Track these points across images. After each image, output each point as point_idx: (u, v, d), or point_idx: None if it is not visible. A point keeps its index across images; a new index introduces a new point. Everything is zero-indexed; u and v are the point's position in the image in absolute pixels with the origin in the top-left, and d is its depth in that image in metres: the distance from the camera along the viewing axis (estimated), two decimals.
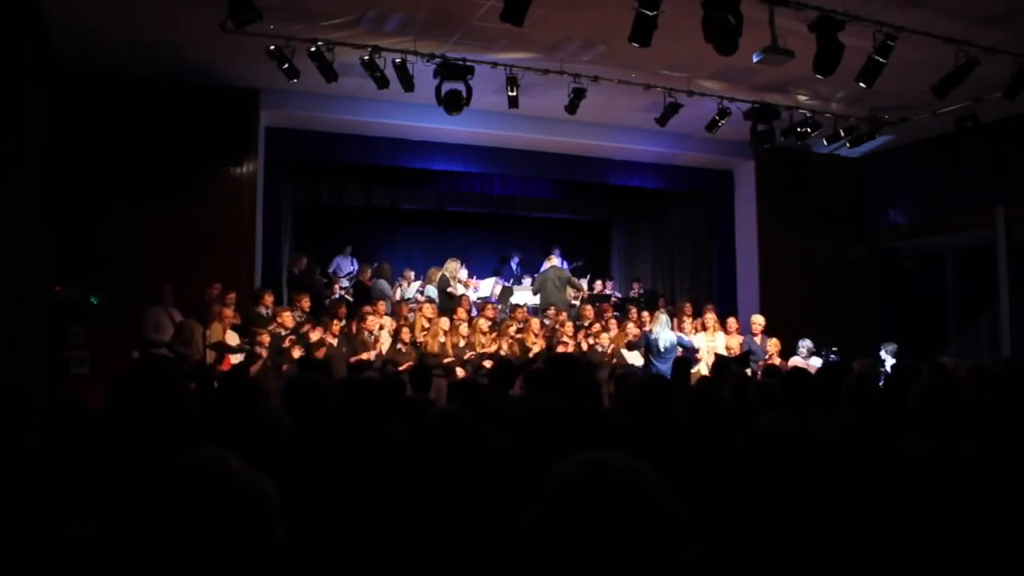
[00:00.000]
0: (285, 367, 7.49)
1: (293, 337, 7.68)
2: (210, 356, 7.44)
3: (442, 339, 8.40)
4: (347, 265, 11.83)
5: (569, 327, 9.22)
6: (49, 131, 7.48)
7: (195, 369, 7.25)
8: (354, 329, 8.35)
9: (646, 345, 9.09)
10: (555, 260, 11.18)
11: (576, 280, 11.60)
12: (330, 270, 11.68)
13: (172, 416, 3.31)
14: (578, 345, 9.00)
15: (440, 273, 10.68)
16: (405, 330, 8.42)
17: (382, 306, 9.15)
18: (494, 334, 8.84)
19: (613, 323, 9.66)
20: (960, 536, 1.70)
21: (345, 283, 11.23)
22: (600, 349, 9.03)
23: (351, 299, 10.19)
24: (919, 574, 1.69)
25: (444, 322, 8.58)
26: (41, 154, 6.99)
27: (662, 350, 8.87)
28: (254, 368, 7.32)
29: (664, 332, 9.05)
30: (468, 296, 10.15)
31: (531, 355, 8.63)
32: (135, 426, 3.28)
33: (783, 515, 1.96)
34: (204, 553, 1.21)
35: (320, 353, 7.67)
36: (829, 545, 1.80)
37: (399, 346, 8.28)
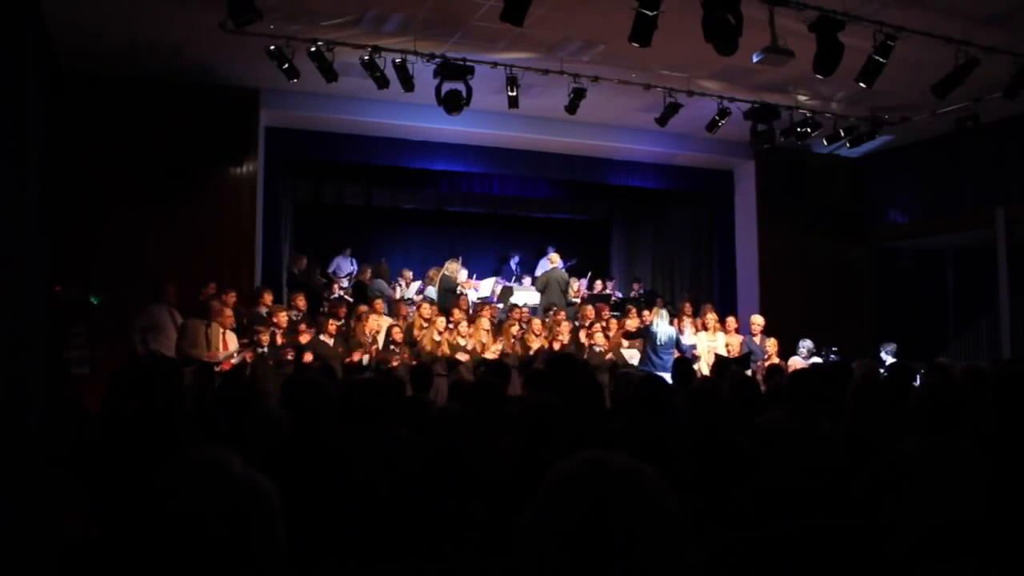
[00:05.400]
0: (289, 367, 7.50)
1: (285, 342, 7.70)
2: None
3: (436, 338, 8.39)
4: (347, 265, 11.84)
5: (566, 326, 9.21)
6: (49, 131, 7.48)
7: (201, 369, 7.28)
8: (353, 329, 8.35)
9: (645, 338, 9.04)
10: (558, 260, 11.15)
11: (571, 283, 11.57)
12: (330, 270, 11.69)
13: (171, 415, 3.31)
14: (576, 343, 8.98)
15: (441, 273, 10.68)
16: (396, 329, 8.41)
17: (379, 304, 9.15)
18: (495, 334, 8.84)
19: (613, 323, 9.65)
20: (960, 536, 1.70)
21: (345, 283, 11.24)
22: (598, 349, 9.00)
23: (351, 299, 10.19)
24: (919, 574, 1.69)
25: (441, 322, 8.57)
26: (41, 154, 6.99)
27: (661, 343, 8.83)
28: (248, 358, 7.34)
29: (663, 325, 9.03)
30: (467, 296, 10.14)
31: (531, 353, 8.63)
32: (135, 426, 3.28)
33: (784, 515, 1.96)
34: (204, 553, 1.21)
35: (307, 357, 7.65)
36: (829, 545, 1.80)
37: (391, 346, 8.26)
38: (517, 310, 9.63)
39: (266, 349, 7.51)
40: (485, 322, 8.79)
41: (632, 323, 9.42)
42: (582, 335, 9.16)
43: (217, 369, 7.37)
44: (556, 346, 8.77)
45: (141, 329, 7.49)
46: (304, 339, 7.86)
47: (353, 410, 3.34)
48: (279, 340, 7.71)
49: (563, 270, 11.28)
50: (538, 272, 12.45)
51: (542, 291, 10.83)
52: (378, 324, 8.52)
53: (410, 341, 8.48)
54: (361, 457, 2.55)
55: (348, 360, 7.96)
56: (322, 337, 8.03)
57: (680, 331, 9.58)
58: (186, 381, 7.13)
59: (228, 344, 7.64)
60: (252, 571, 1.23)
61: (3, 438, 5.16)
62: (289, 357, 7.54)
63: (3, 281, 5.46)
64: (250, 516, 1.25)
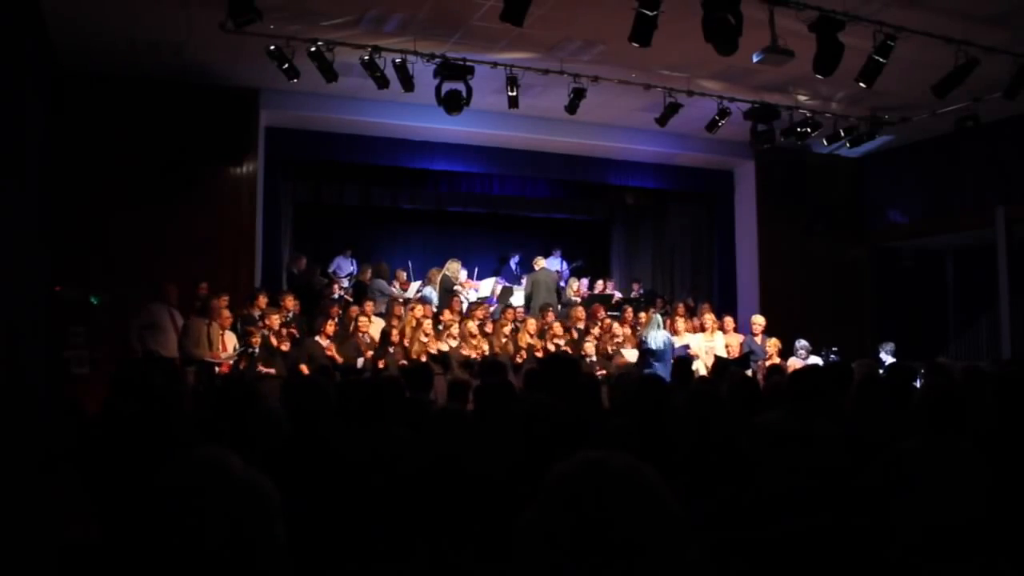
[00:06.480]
0: (274, 369, 7.48)
1: (276, 342, 7.68)
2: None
3: (424, 339, 8.36)
4: (347, 265, 11.85)
5: (558, 327, 9.17)
6: (49, 131, 7.48)
7: (202, 369, 7.30)
8: (350, 330, 8.34)
9: (642, 349, 9.03)
10: (543, 263, 11.10)
11: (559, 285, 11.51)
12: (331, 270, 11.69)
13: (171, 415, 3.31)
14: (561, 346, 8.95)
15: (442, 273, 10.68)
16: (395, 331, 8.40)
17: (370, 306, 9.09)
18: (482, 334, 8.81)
19: (608, 323, 9.61)
20: (960, 536, 1.70)
21: (345, 283, 11.24)
22: (587, 358, 8.90)
23: (351, 299, 10.19)
24: (919, 574, 1.69)
25: (428, 324, 8.53)
26: (41, 154, 6.99)
27: (654, 349, 8.81)
28: (242, 368, 7.34)
29: (653, 332, 8.99)
30: (459, 298, 10.09)
31: (520, 356, 8.60)
32: (135, 426, 3.28)
33: (783, 515, 1.96)
34: (205, 553, 1.21)
35: (306, 369, 7.59)
36: (829, 545, 1.80)
37: (388, 347, 8.25)
38: (511, 310, 9.61)
39: (257, 351, 7.50)
40: (471, 325, 8.77)
41: (619, 329, 9.37)
42: (567, 336, 9.09)
43: (218, 370, 7.38)
44: (551, 347, 8.74)
45: (139, 327, 7.49)
46: (285, 347, 7.76)
47: (353, 410, 3.34)
48: (273, 342, 7.68)
49: (551, 271, 11.21)
50: None
51: (528, 294, 10.76)
52: (368, 326, 8.51)
53: (402, 343, 8.47)
54: (361, 457, 2.55)
55: (347, 363, 7.94)
56: (317, 339, 8.02)
57: (674, 332, 9.56)
58: (188, 380, 7.14)
59: (227, 344, 7.65)
60: (252, 571, 1.23)
61: (3, 438, 5.16)
62: (265, 370, 7.47)
63: (3, 281, 5.47)
64: (250, 516, 1.25)
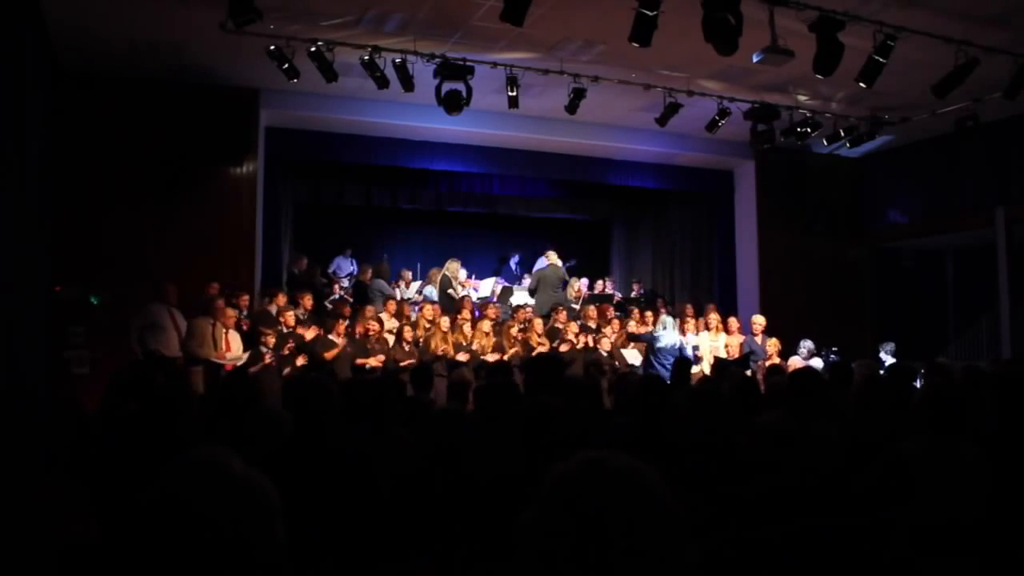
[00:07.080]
0: (287, 369, 7.49)
1: (292, 344, 7.69)
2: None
3: (441, 339, 8.41)
4: (347, 265, 11.85)
5: (573, 326, 9.20)
6: (49, 131, 7.48)
7: (209, 369, 7.31)
8: (359, 330, 8.36)
9: (648, 341, 9.07)
10: (554, 257, 11.06)
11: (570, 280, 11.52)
12: (330, 270, 11.70)
13: (171, 415, 3.31)
14: (584, 344, 8.99)
15: (441, 273, 10.68)
16: (407, 329, 8.44)
17: (392, 305, 9.19)
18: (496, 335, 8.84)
19: (616, 324, 9.65)
20: (960, 536, 1.70)
21: (345, 283, 11.25)
22: (604, 353, 8.99)
23: (351, 299, 10.20)
24: (919, 574, 1.69)
25: (445, 322, 8.59)
26: (41, 154, 6.99)
27: (663, 347, 8.84)
28: (254, 368, 7.33)
29: (667, 334, 9.04)
30: (470, 297, 10.14)
31: (533, 355, 8.63)
32: (135, 426, 3.28)
33: (783, 515, 1.96)
34: (205, 553, 1.21)
35: (331, 354, 7.68)
36: (829, 545, 1.80)
37: (403, 345, 8.29)
38: (521, 311, 9.62)
39: (272, 350, 7.52)
40: (486, 324, 8.80)
41: (634, 325, 9.42)
42: (588, 338, 9.14)
43: (223, 372, 7.38)
44: (565, 347, 8.76)
45: (139, 328, 7.49)
46: (310, 334, 7.86)
47: (354, 410, 3.34)
48: (286, 345, 7.71)
49: (560, 267, 11.19)
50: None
51: (533, 290, 10.74)
52: (385, 327, 8.56)
53: (416, 342, 8.49)
54: (362, 457, 2.55)
55: (363, 362, 7.98)
56: (331, 336, 8.05)
57: (683, 333, 9.58)
58: (193, 381, 7.15)
59: (231, 343, 7.63)
60: (252, 571, 1.23)
61: (3, 438, 5.16)
62: (298, 362, 7.53)
63: (3, 281, 5.47)
64: (250, 516, 1.25)
